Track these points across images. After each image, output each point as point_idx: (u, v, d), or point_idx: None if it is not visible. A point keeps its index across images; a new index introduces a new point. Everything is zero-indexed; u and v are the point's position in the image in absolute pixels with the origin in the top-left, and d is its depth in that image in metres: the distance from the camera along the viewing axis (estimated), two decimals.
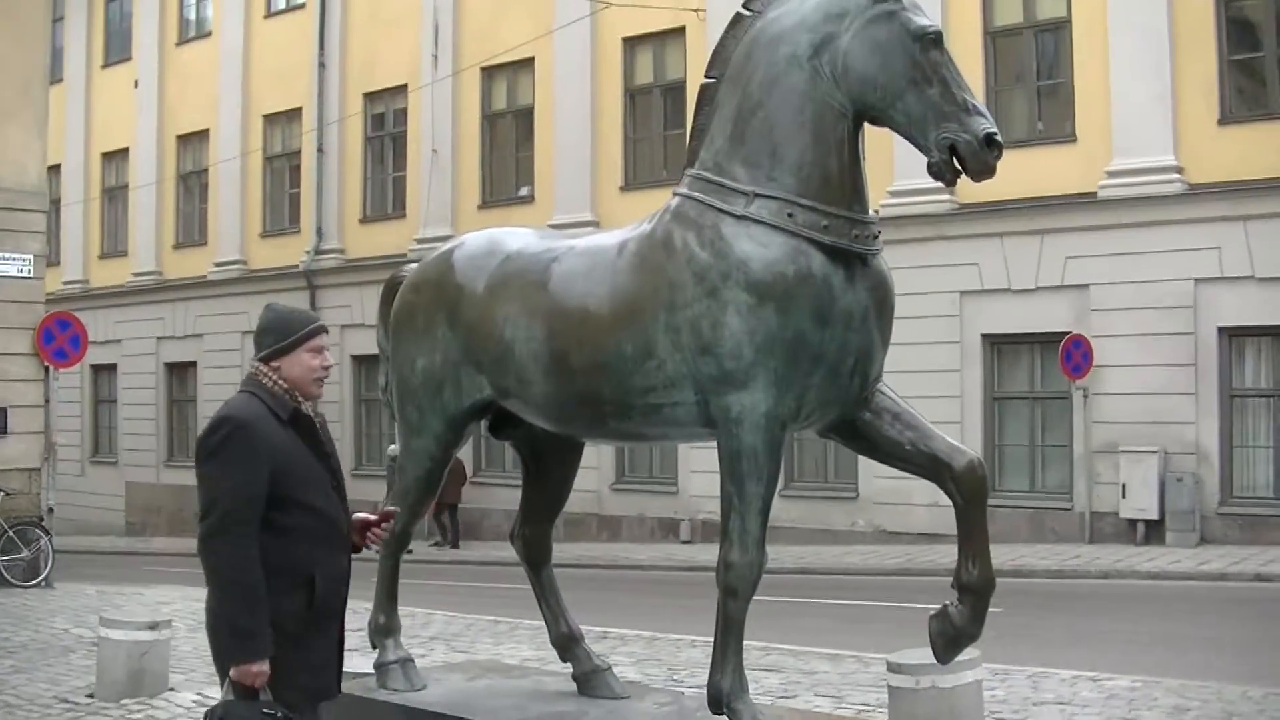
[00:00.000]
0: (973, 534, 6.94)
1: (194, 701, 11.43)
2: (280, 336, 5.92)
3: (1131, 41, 25.65)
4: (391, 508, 6.15)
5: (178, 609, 17.68)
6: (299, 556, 5.68)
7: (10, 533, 21.53)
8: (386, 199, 38.73)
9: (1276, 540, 23.79)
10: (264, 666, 5.53)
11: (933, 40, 6.74)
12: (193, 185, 44.57)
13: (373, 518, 6.04)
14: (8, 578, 21.29)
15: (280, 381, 5.87)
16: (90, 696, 11.88)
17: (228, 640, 5.60)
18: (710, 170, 7.14)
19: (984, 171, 6.57)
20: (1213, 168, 24.92)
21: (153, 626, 12.09)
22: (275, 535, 5.64)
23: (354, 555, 6.02)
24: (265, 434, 5.70)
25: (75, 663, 13.80)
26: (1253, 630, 16.02)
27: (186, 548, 34.92)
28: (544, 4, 32.92)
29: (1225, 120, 25.22)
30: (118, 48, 47.00)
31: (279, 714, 5.54)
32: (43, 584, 21.50)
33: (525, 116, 35.44)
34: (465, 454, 31.95)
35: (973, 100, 6.67)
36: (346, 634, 6.11)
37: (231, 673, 5.58)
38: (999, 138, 6.57)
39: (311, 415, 5.97)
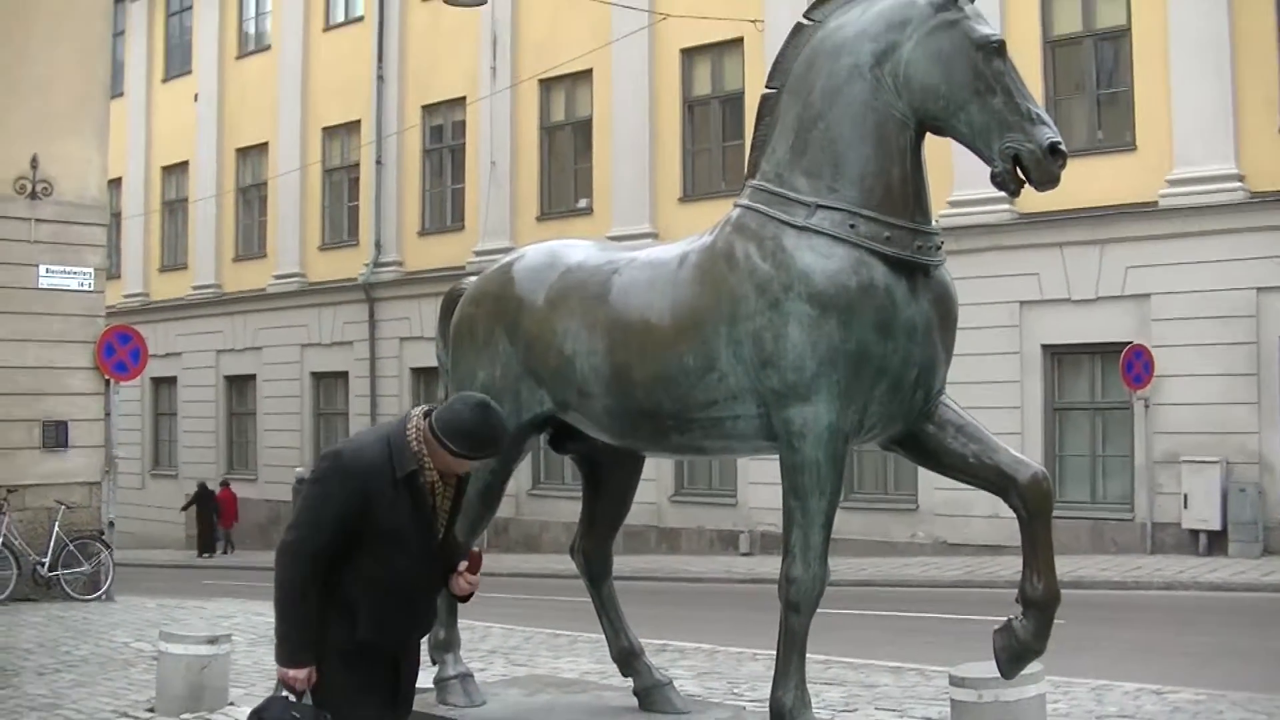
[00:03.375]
0: (1038, 548, 6.88)
1: None
2: (453, 436, 5.83)
3: (1192, 50, 25.50)
4: (477, 549, 6.14)
5: (238, 623, 17.74)
6: (351, 596, 5.90)
7: (71, 546, 21.64)
8: (445, 211, 38.83)
9: None
10: (299, 673, 5.86)
11: (996, 49, 6.69)
12: (252, 198, 44.83)
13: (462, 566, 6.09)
14: (69, 591, 21.41)
15: (423, 447, 5.89)
16: (150, 710, 11.90)
17: (277, 643, 5.96)
18: (771, 181, 7.10)
19: (1049, 181, 6.52)
20: (1274, 176, 24.72)
21: (212, 641, 12.10)
22: (341, 572, 5.89)
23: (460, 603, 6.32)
24: (362, 484, 5.82)
25: (135, 677, 13.83)
26: None
27: (246, 561, 35.26)
28: (602, 15, 32.92)
29: None
30: (178, 61, 47.35)
31: (308, 716, 5.84)
32: (103, 597, 21.60)
33: (584, 128, 35.49)
34: (524, 466, 31.97)
35: (1037, 109, 6.62)
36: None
37: (276, 671, 5.95)
38: (1063, 147, 6.52)
39: (434, 481, 5.96)
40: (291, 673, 5.88)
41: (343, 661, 5.92)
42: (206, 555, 39.56)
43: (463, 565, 6.06)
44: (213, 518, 40.45)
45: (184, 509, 40.95)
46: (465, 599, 6.24)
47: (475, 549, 6.12)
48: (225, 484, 41.85)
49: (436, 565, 6.03)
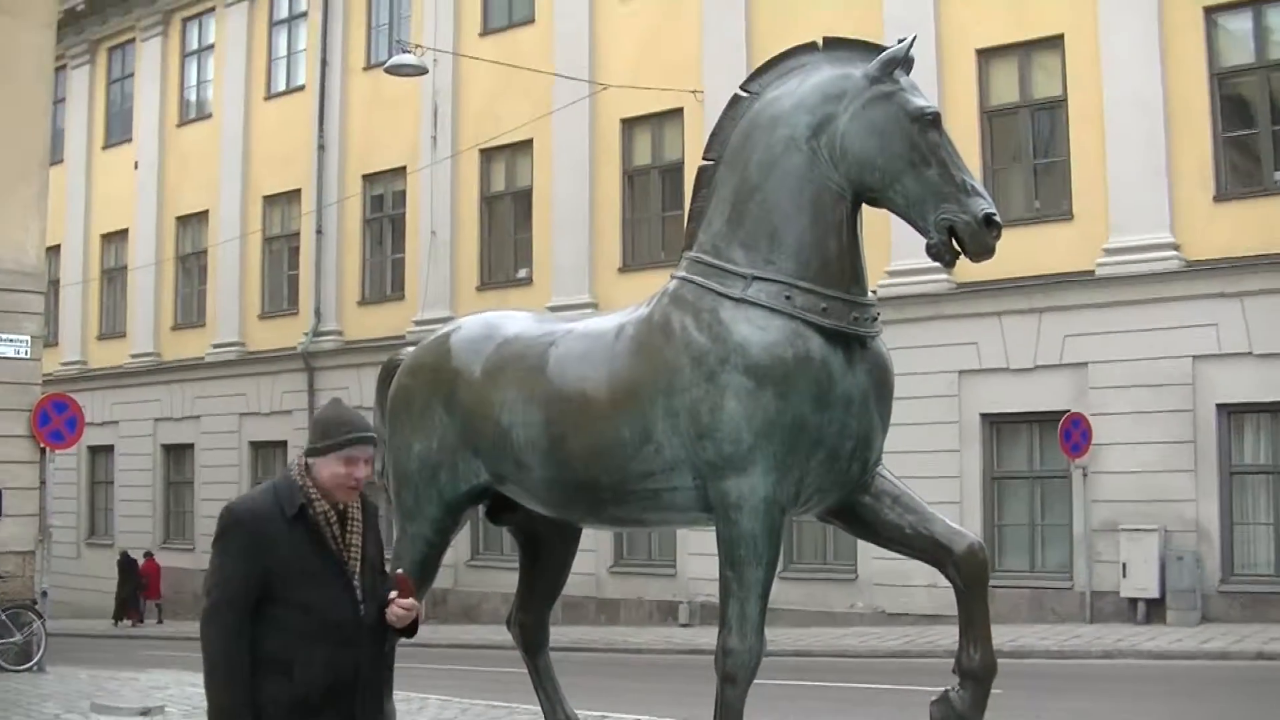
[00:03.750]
0: (974, 619, 6.88)
1: None
2: (319, 438, 5.96)
3: (1127, 119, 25.77)
4: (400, 571, 6.04)
5: (171, 694, 17.52)
6: (279, 648, 5.79)
7: (3, 616, 21.36)
8: (385, 280, 38.76)
9: (1278, 617, 23.70)
10: None
11: (930, 121, 6.74)
12: (191, 266, 44.65)
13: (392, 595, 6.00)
14: (0, 661, 21.15)
15: (307, 479, 5.92)
16: None
17: (211, 715, 5.86)
18: (708, 253, 7.12)
19: (983, 252, 6.56)
20: (1209, 245, 24.98)
21: (145, 713, 12.02)
22: (264, 625, 5.80)
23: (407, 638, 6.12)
24: (259, 531, 5.81)
25: None
26: (1256, 709, 15.90)
27: (180, 631, 34.91)
28: (543, 86, 33.02)
29: (1221, 197, 25.29)
30: (119, 129, 47.21)
31: None
32: (35, 668, 21.27)
33: (524, 198, 35.53)
34: (463, 537, 31.82)
35: (971, 181, 6.66)
36: None
37: None
38: (998, 218, 6.56)
39: (325, 511, 5.90)
40: None
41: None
42: (125, 623, 39.33)
43: (392, 594, 5.95)
44: (134, 587, 40.23)
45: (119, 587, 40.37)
46: (407, 631, 6.04)
47: (399, 571, 6.00)
48: (149, 555, 41.66)
49: (359, 602, 5.90)
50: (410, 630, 6.06)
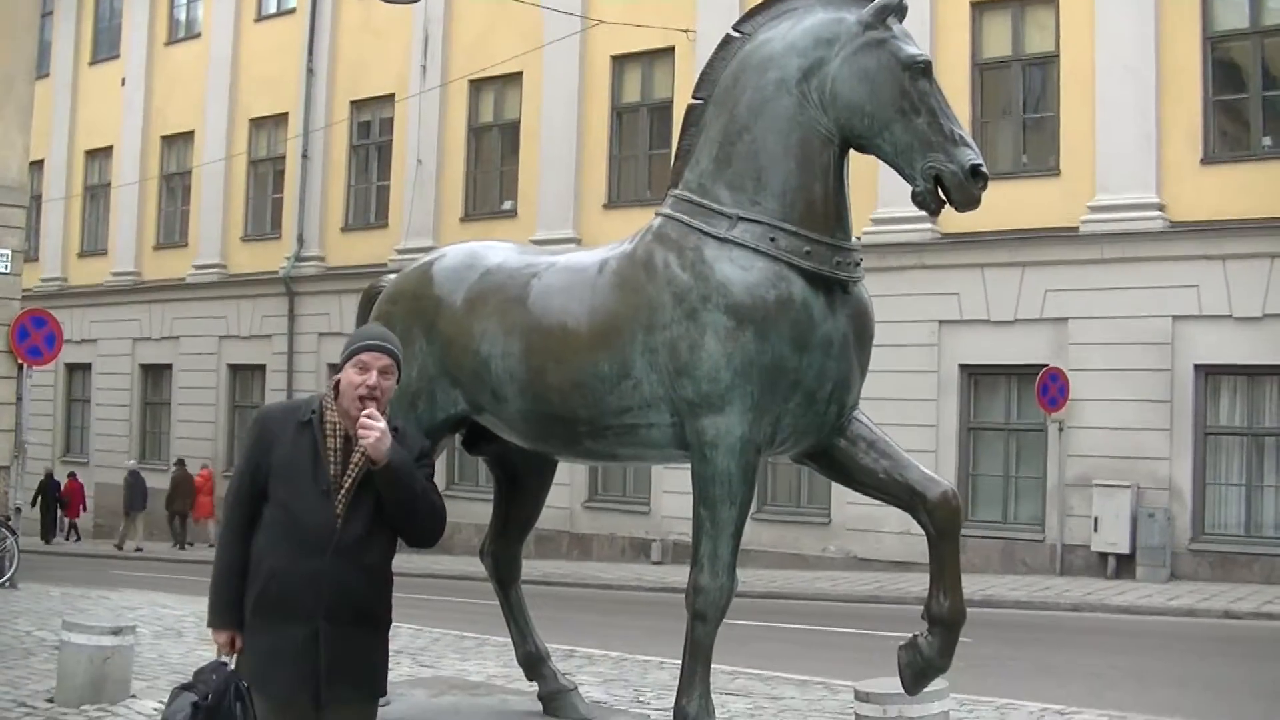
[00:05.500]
0: (945, 566, 6.90)
1: (155, 709, 11.29)
2: (345, 347, 6.13)
3: (1118, 79, 25.76)
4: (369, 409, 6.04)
5: (143, 614, 17.59)
6: (262, 548, 5.93)
7: None
8: (369, 208, 38.67)
9: (1246, 578, 23.88)
10: (219, 636, 5.99)
11: (922, 70, 6.71)
12: (175, 186, 44.52)
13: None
14: None
15: (330, 393, 6.08)
16: (50, 701, 11.75)
17: (208, 605, 6.08)
18: (694, 191, 7.10)
19: (968, 203, 6.55)
20: (1194, 207, 25.02)
21: (116, 632, 11.97)
22: (259, 524, 5.97)
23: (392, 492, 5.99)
24: (269, 431, 6.04)
25: (36, 666, 13.65)
26: (1220, 667, 16.01)
27: (155, 552, 34.91)
28: (534, 19, 32.85)
29: (1208, 160, 25.31)
30: (106, 45, 46.96)
31: (224, 681, 5.89)
32: (6, 584, 21.29)
33: (511, 131, 35.43)
34: (438, 466, 31.88)
35: (960, 131, 6.64)
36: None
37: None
38: (984, 169, 6.54)
39: (334, 423, 5.98)
40: (213, 635, 6.03)
41: (255, 622, 5.90)
42: (49, 540, 39.50)
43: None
44: (56, 507, 40.63)
45: (33, 503, 39.96)
46: (390, 485, 5.88)
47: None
48: (72, 475, 42.16)
49: (335, 516, 5.88)
50: (398, 478, 5.88)
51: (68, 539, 40.89)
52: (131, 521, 39.13)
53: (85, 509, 42.08)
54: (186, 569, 29.85)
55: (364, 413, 5.86)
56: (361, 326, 6.36)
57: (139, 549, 38.05)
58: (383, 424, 5.85)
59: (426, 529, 6.04)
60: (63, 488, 41.05)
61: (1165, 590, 23.17)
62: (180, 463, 39.98)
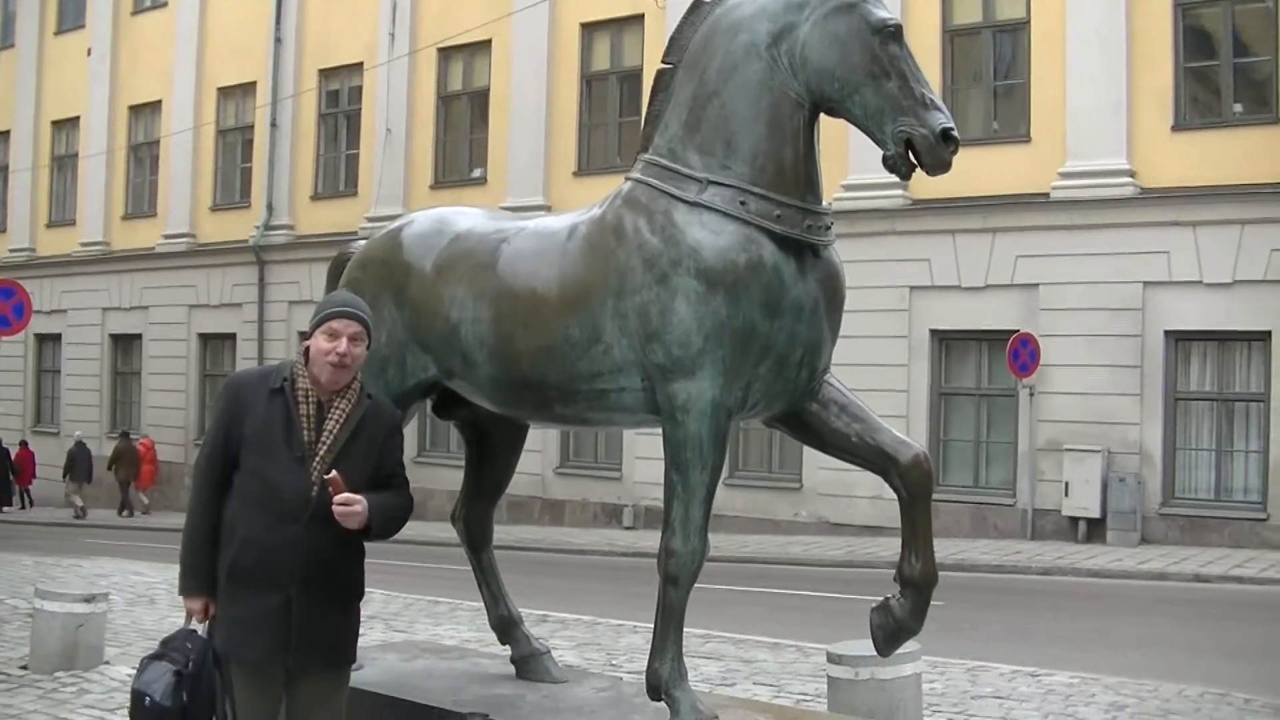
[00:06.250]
0: (917, 528, 6.91)
1: (128, 675, 11.29)
2: (314, 314, 6.17)
3: (1089, 45, 25.82)
4: (333, 474, 6.03)
5: (115, 582, 17.58)
6: (234, 515, 5.95)
7: None
8: (339, 176, 38.62)
9: (1216, 542, 24.04)
10: (192, 603, 6.02)
11: (892, 34, 6.69)
12: (143, 156, 44.36)
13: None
14: None
15: (300, 360, 6.11)
16: (24, 668, 11.77)
17: (179, 572, 6.11)
18: (664, 156, 7.07)
19: (939, 166, 6.53)
20: (1165, 173, 25.12)
21: (89, 599, 11.99)
22: (230, 493, 6.00)
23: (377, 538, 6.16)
24: (239, 398, 6.06)
25: (9, 634, 13.67)
26: (1191, 630, 16.12)
27: (125, 521, 34.92)
28: None
29: (1179, 127, 25.41)
30: (72, 15, 46.72)
31: (197, 649, 5.94)
32: None
33: (480, 99, 35.37)
34: (409, 434, 31.91)
35: (930, 95, 6.63)
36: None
37: None
38: (955, 133, 6.53)
39: (306, 390, 6.04)
40: (185, 602, 6.06)
41: (228, 590, 5.93)
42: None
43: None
44: (8, 475, 40.73)
45: None
46: (370, 532, 6.03)
47: (331, 474, 5.96)
48: (24, 443, 42.45)
49: (311, 484, 5.92)
50: (375, 530, 6.04)
51: (22, 507, 41.13)
52: (77, 488, 40.08)
53: (35, 476, 42.29)
54: (155, 536, 29.78)
55: (337, 498, 5.83)
56: (330, 293, 6.36)
57: (81, 510, 39.20)
58: (359, 502, 5.88)
59: (397, 530, 6.26)
60: (13, 456, 41.12)
61: (1136, 554, 23.30)
62: (124, 434, 40.74)
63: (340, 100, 38.74)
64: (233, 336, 40.20)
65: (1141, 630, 16.12)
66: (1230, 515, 24.65)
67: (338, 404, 6.07)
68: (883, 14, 6.72)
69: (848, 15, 6.73)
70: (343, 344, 6.00)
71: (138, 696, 5.95)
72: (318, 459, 5.95)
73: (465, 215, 8.04)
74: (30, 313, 23.32)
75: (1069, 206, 25.88)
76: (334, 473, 5.88)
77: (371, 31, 36.83)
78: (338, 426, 6.02)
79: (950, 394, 28.05)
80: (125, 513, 39.55)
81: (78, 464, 40.39)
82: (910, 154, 6.56)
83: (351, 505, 5.86)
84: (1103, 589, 20.28)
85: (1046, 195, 26.24)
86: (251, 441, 5.95)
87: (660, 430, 6.96)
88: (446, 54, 35.63)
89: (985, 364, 27.70)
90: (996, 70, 28.04)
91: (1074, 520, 25.52)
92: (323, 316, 6.05)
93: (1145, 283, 25.18)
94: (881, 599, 6.97)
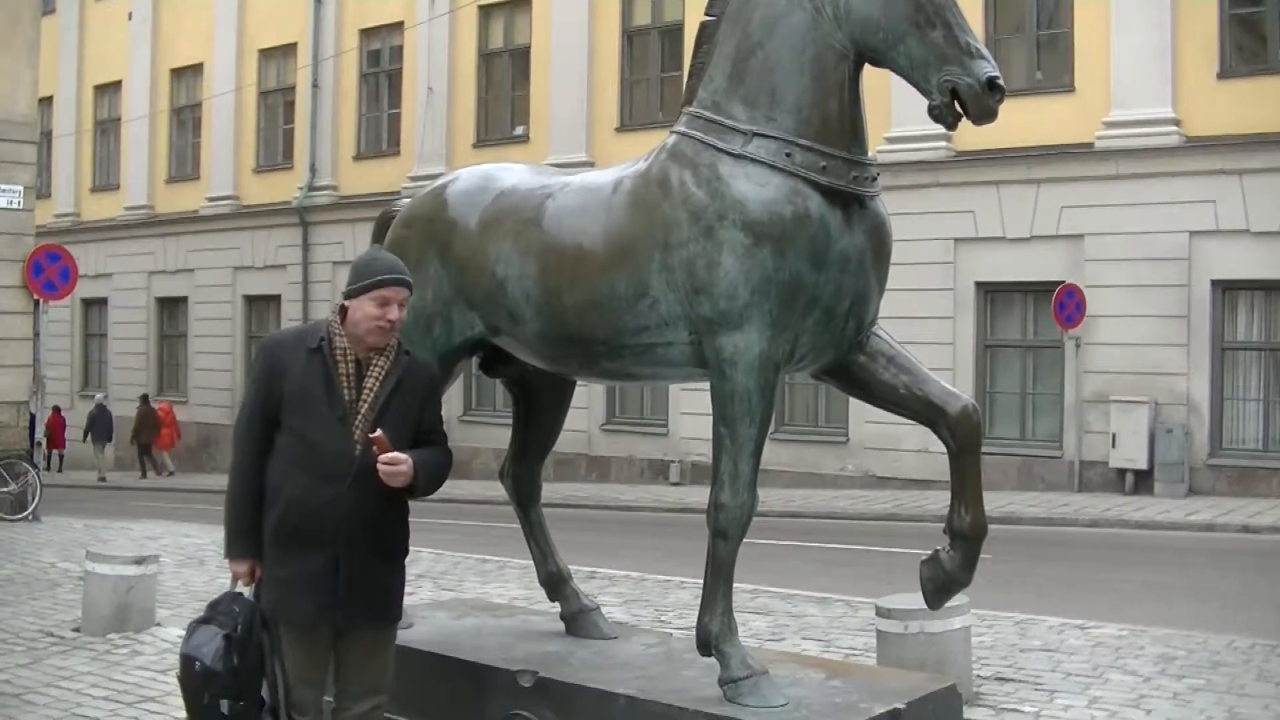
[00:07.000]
0: (966, 480, 6.87)
1: (179, 637, 11.34)
2: (355, 279, 6.14)
3: None
4: (377, 433, 6.03)
5: (165, 544, 17.69)
6: (277, 476, 5.99)
7: None
8: (381, 136, 38.62)
9: (1264, 492, 23.92)
10: (238, 566, 6.07)
11: None
12: (186, 119, 44.45)
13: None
14: None
15: (336, 319, 6.14)
16: (76, 631, 11.86)
17: (225, 535, 6.16)
18: (708, 109, 7.03)
19: (985, 115, 6.47)
20: (1210, 122, 24.91)
21: (139, 562, 12.07)
22: (273, 454, 6.04)
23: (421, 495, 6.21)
24: (277, 358, 6.09)
25: (61, 597, 13.77)
26: (1239, 581, 16.05)
27: (174, 483, 35.10)
28: None
29: (1224, 75, 25.19)
30: None
31: (244, 611, 5.96)
32: (30, 518, 21.46)
33: (522, 56, 35.30)
34: (455, 393, 31.97)
35: (976, 44, 6.56)
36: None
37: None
38: (1001, 81, 6.47)
39: (344, 349, 6.08)
40: (231, 565, 6.10)
41: (274, 552, 5.97)
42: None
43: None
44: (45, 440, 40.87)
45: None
46: (415, 489, 6.10)
47: (376, 432, 5.98)
48: (56, 409, 42.23)
49: (354, 442, 5.97)
50: (419, 487, 6.10)
51: (58, 471, 41.35)
52: (99, 450, 40.37)
53: (66, 440, 42.53)
54: (205, 498, 29.95)
55: (383, 457, 5.87)
56: (369, 250, 6.35)
57: (102, 478, 39.21)
58: (404, 460, 5.94)
59: (438, 486, 6.32)
60: (47, 420, 41.46)
61: (1183, 505, 23.20)
62: (144, 398, 41.20)
63: (381, 60, 38.73)
64: (277, 298, 40.33)
65: (1190, 582, 16.06)
66: (1278, 465, 24.52)
67: (377, 362, 6.10)
68: None
69: None
70: (394, 310, 6.05)
71: (187, 661, 5.98)
72: (359, 417, 5.98)
73: (510, 171, 8.01)
74: (76, 276, 23.48)
75: (1114, 156, 25.71)
76: (379, 431, 5.89)
77: None
78: (377, 384, 6.06)
79: (996, 346, 27.95)
80: (146, 475, 40.00)
81: (98, 425, 40.56)
82: (956, 104, 6.50)
83: (397, 464, 5.91)
84: (1151, 541, 20.20)
85: (1091, 145, 26.07)
86: (291, 401, 5.98)
87: (707, 384, 6.93)
88: (487, 11, 35.59)
89: (1031, 316, 27.58)
90: (1039, 20, 27.84)
91: (1121, 472, 25.42)
92: (373, 283, 6.05)
93: (1191, 232, 25.01)
94: (930, 552, 6.94)
